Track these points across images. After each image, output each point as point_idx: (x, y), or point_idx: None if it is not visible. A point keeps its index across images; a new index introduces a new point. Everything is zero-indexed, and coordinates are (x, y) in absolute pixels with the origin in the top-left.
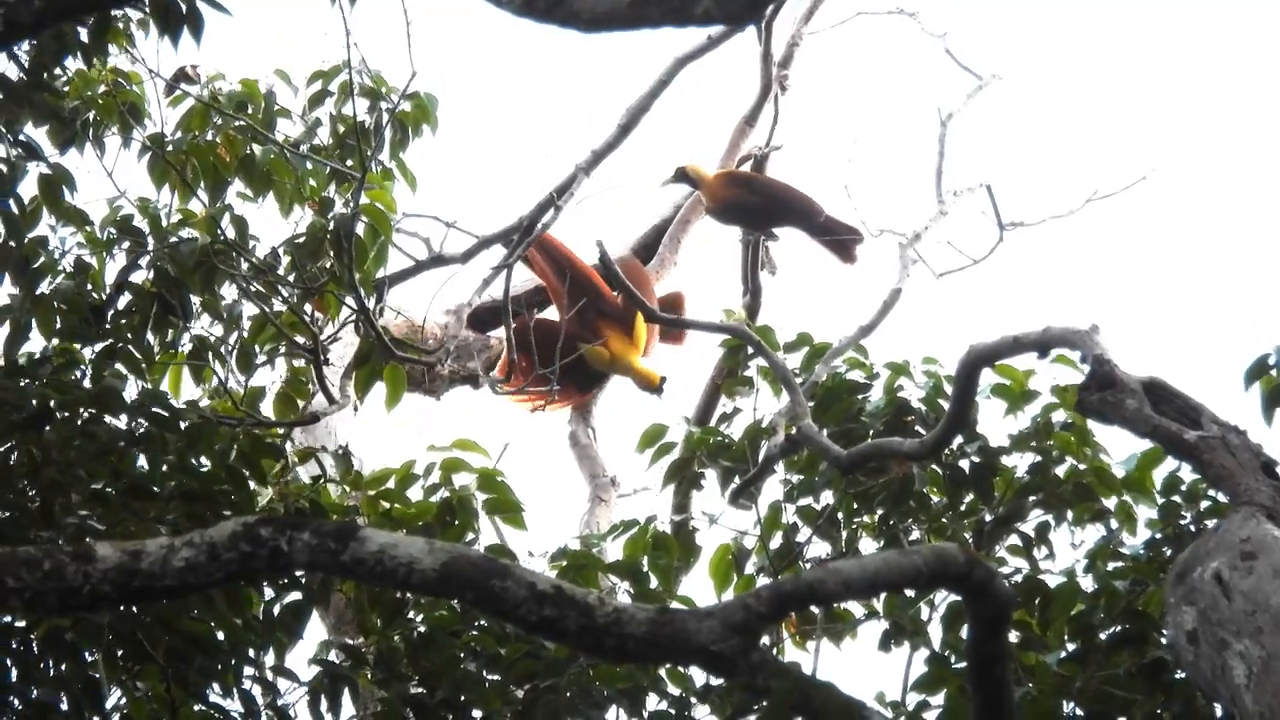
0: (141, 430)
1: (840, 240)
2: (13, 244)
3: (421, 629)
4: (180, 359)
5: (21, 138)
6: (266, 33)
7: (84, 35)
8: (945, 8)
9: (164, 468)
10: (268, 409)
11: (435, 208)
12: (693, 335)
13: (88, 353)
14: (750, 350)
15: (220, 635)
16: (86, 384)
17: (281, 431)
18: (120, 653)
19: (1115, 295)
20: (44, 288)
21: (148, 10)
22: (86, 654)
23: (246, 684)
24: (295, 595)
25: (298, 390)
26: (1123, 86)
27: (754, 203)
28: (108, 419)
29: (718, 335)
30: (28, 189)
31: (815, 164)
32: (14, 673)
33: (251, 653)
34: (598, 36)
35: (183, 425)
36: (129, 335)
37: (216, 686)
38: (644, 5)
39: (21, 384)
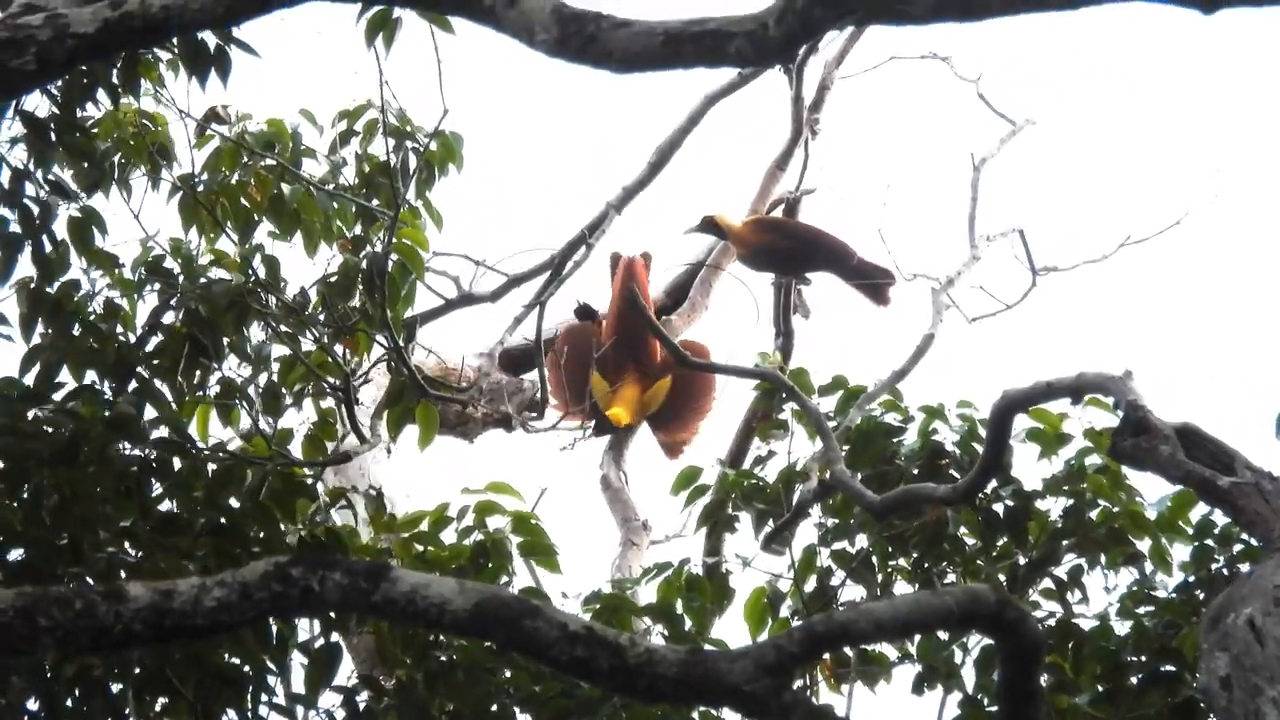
0: (163, 462)
1: (873, 283)
2: (46, 288)
3: (451, 664)
4: (209, 401)
5: (52, 178)
6: (295, 72)
7: (114, 75)
8: (979, 52)
9: (194, 504)
10: (296, 450)
11: (464, 246)
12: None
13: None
14: (784, 394)
15: (248, 670)
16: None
17: (312, 471)
18: (149, 689)
19: (1148, 340)
20: (75, 329)
21: (176, 51)
22: (115, 689)
23: (270, 714)
24: (333, 636)
25: (326, 432)
26: (1156, 131)
27: (785, 247)
28: (131, 450)
29: (751, 379)
30: (58, 231)
31: (848, 208)
32: (42, 709)
33: (275, 684)
34: (631, 76)
35: (212, 466)
36: (160, 376)
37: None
38: (677, 45)
39: (37, 413)
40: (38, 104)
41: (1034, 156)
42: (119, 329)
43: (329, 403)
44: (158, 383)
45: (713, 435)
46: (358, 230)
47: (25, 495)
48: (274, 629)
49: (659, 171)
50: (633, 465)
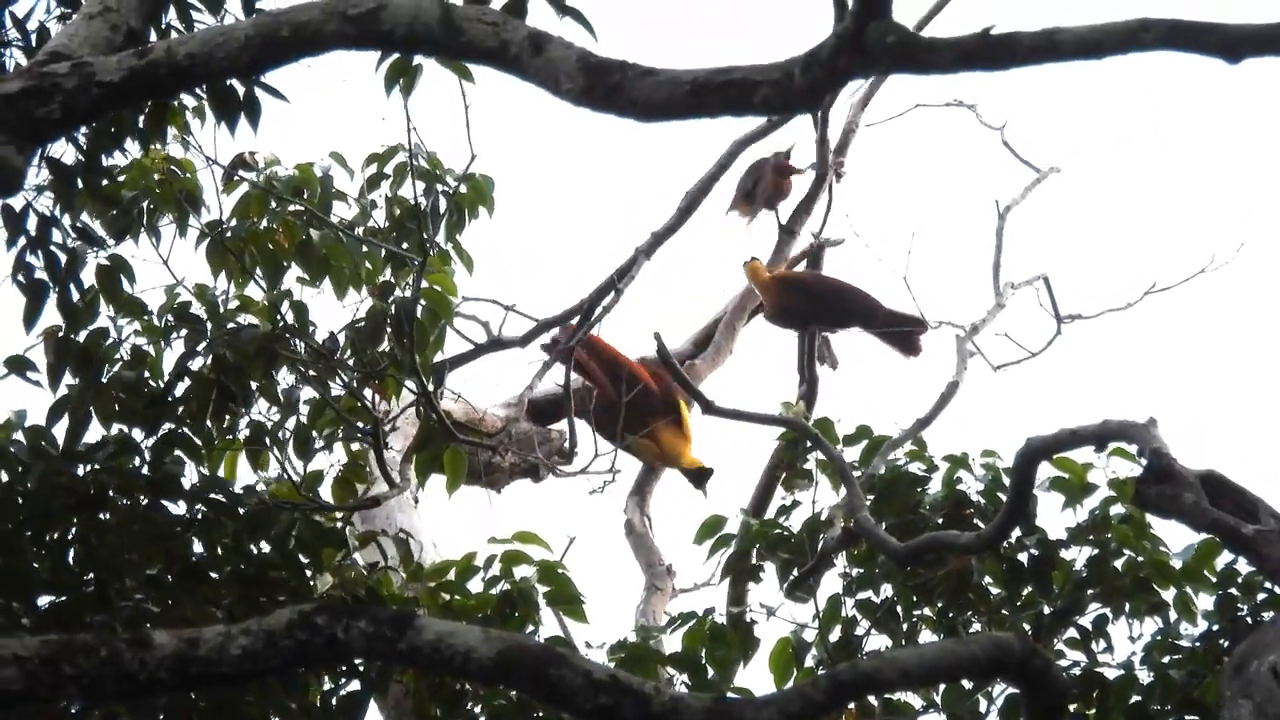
0: (199, 516)
1: (903, 333)
2: (74, 336)
3: (479, 714)
4: (238, 445)
5: (80, 225)
6: (322, 119)
7: (140, 121)
8: (1004, 100)
9: (220, 552)
10: (325, 494)
11: (493, 290)
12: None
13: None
14: (808, 443)
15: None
16: (145, 470)
17: (340, 516)
18: None
19: (1173, 388)
20: (103, 376)
21: (204, 98)
22: None
23: None
24: (354, 685)
25: (356, 475)
26: (1181, 178)
27: (810, 310)
28: (166, 504)
29: (775, 427)
30: (85, 278)
31: (873, 254)
32: None
33: None
34: (657, 125)
35: (241, 510)
36: (188, 422)
37: None
38: (703, 94)
39: (79, 469)
40: (64, 151)
41: (1059, 204)
42: (147, 375)
43: (358, 445)
44: (187, 430)
45: (735, 479)
46: (387, 275)
47: (52, 543)
48: (307, 682)
49: (688, 217)
50: (657, 510)
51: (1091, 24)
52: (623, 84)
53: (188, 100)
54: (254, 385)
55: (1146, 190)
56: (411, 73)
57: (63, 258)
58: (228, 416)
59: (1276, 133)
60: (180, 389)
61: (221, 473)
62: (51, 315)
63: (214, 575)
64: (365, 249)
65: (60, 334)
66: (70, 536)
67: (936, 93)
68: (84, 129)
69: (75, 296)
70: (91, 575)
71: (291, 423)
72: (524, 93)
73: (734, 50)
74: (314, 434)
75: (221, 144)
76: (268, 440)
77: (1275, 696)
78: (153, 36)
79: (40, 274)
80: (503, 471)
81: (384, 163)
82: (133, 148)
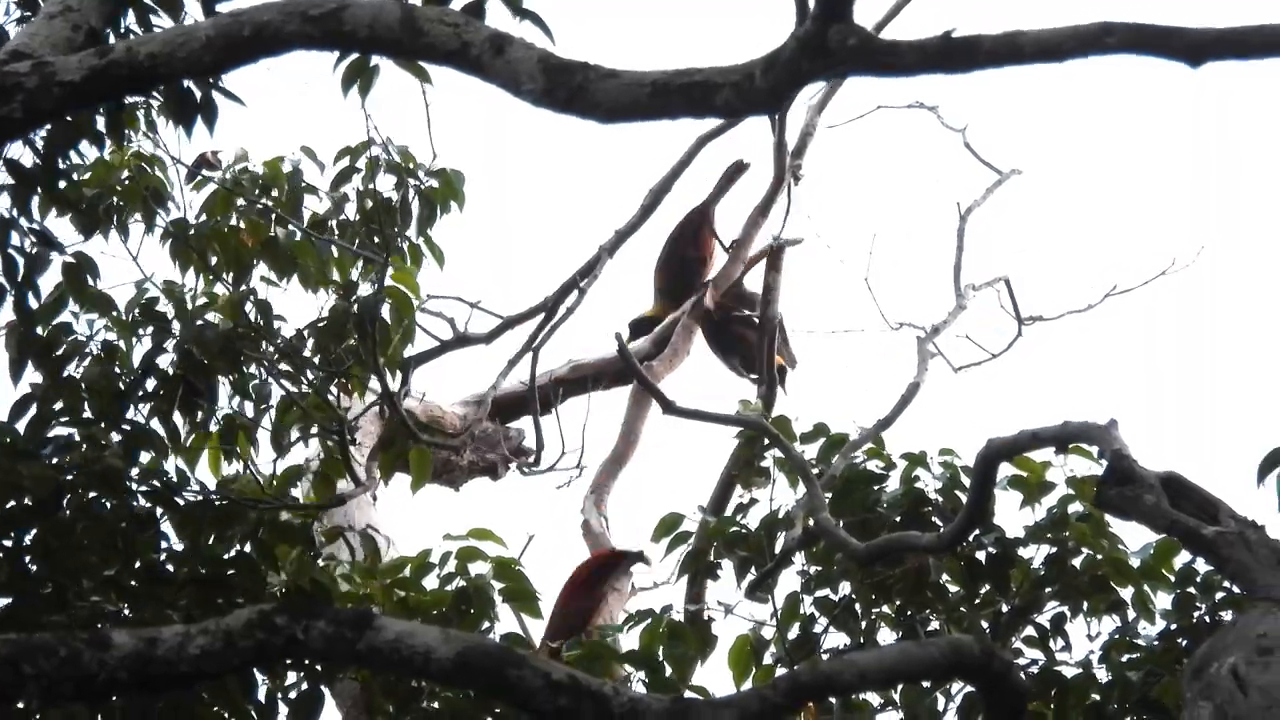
0: (149, 512)
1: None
2: (37, 332)
3: (435, 713)
4: (213, 441)
5: (37, 227)
6: (283, 122)
7: (100, 124)
8: (965, 102)
9: (176, 552)
10: (297, 491)
11: (459, 288)
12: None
13: (114, 436)
14: (767, 441)
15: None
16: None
17: (307, 514)
18: None
19: (1133, 389)
20: (71, 371)
21: (162, 100)
22: None
23: None
24: (306, 685)
25: (334, 470)
26: (1142, 181)
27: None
28: (118, 502)
29: (734, 426)
30: (51, 278)
31: (833, 255)
32: None
33: None
34: (618, 126)
35: (215, 502)
36: (155, 418)
37: None
38: (664, 96)
39: (35, 468)
40: (20, 154)
41: (1020, 206)
42: (117, 371)
43: (330, 441)
44: (153, 425)
45: (694, 478)
46: (355, 273)
47: (10, 545)
48: (260, 680)
49: (651, 214)
50: (614, 510)
51: (1053, 27)
52: (584, 85)
53: (150, 102)
54: (221, 381)
55: (1107, 193)
56: (369, 73)
57: (20, 261)
58: (196, 412)
59: (1237, 136)
60: (148, 385)
61: (204, 468)
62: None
63: (171, 576)
64: (331, 246)
65: (22, 329)
66: (28, 539)
67: (898, 95)
68: (41, 132)
69: (33, 303)
70: (49, 576)
71: (266, 419)
72: (486, 93)
73: (695, 53)
74: (286, 430)
75: (187, 144)
76: (239, 435)
77: (1236, 699)
78: (112, 39)
79: None
80: (461, 470)
81: (355, 157)
82: (90, 152)
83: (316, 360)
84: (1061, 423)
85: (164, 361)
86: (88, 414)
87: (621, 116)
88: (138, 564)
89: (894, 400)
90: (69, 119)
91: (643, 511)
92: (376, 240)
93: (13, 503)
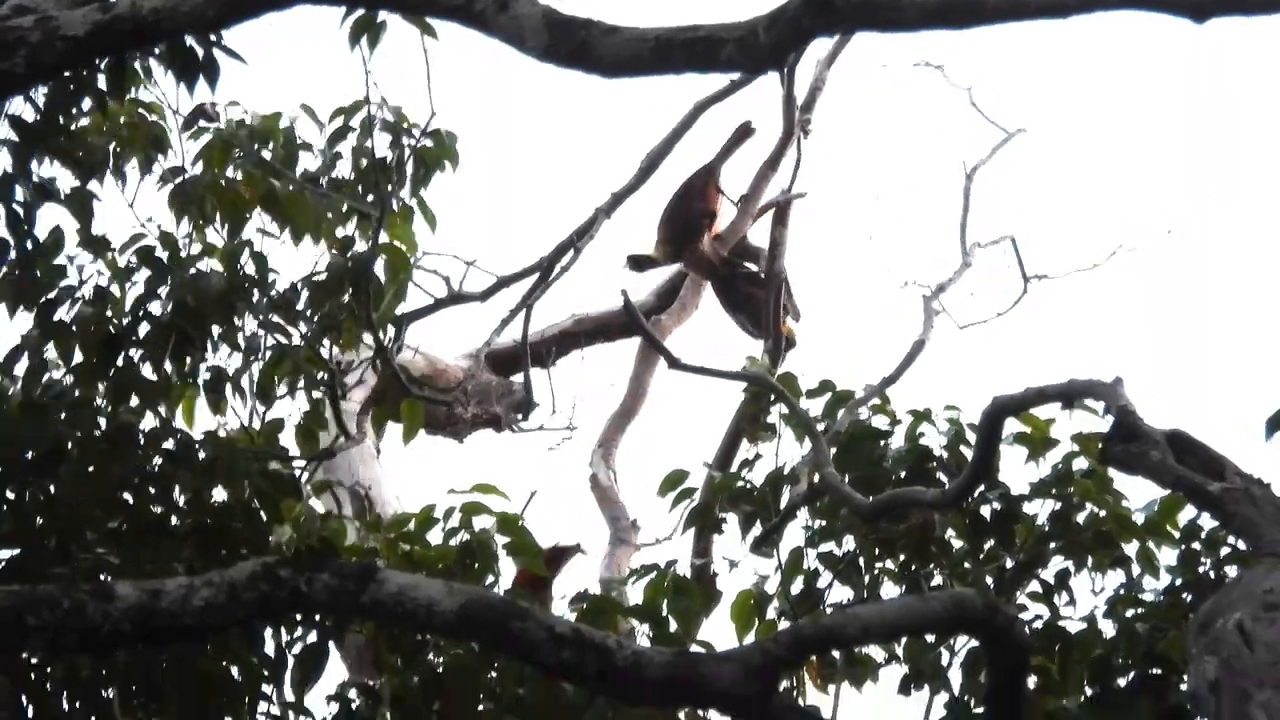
0: (156, 469)
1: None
2: (34, 274)
3: (440, 666)
4: (194, 391)
5: (37, 178)
6: (284, 77)
7: (100, 81)
8: (971, 61)
9: (181, 504)
10: (286, 441)
11: (456, 246)
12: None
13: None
14: (772, 397)
15: (236, 673)
16: (102, 421)
17: (299, 466)
18: (136, 690)
19: (1139, 347)
20: (63, 315)
21: (164, 57)
22: (102, 692)
23: None
24: (312, 636)
25: (317, 422)
26: (1149, 139)
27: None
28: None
29: (739, 382)
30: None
31: (839, 212)
32: (30, 708)
33: (267, 689)
34: (621, 81)
35: (201, 455)
36: (148, 364)
37: None
38: (667, 51)
39: (37, 422)
40: (21, 111)
41: (1026, 164)
42: (109, 316)
43: (319, 395)
44: (145, 371)
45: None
46: (350, 228)
47: (13, 498)
48: (266, 634)
49: (649, 177)
50: (622, 465)
51: None
52: (587, 41)
53: (152, 61)
54: (216, 331)
55: (1114, 151)
56: (375, 29)
57: (22, 215)
58: (187, 360)
59: (1243, 94)
60: (140, 332)
61: (180, 417)
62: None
63: (174, 528)
64: (326, 201)
65: (18, 272)
66: (30, 492)
67: (904, 53)
68: (42, 88)
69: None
70: (53, 529)
71: (255, 369)
72: (489, 49)
73: (700, 9)
74: (275, 381)
75: (185, 98)
76: (227, 386)
77: (1242, 653)
78: None
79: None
80: (464, 422)
81: (350, 115)
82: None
83: (310, 314)
84: (1067, 380)
85: (157, 309)
86: (79, 359)
87: (624, 72)
88: (140, 517)
89: (899, 357)
90: (71, 76)
91: (650, 466)
92: (370, 199)
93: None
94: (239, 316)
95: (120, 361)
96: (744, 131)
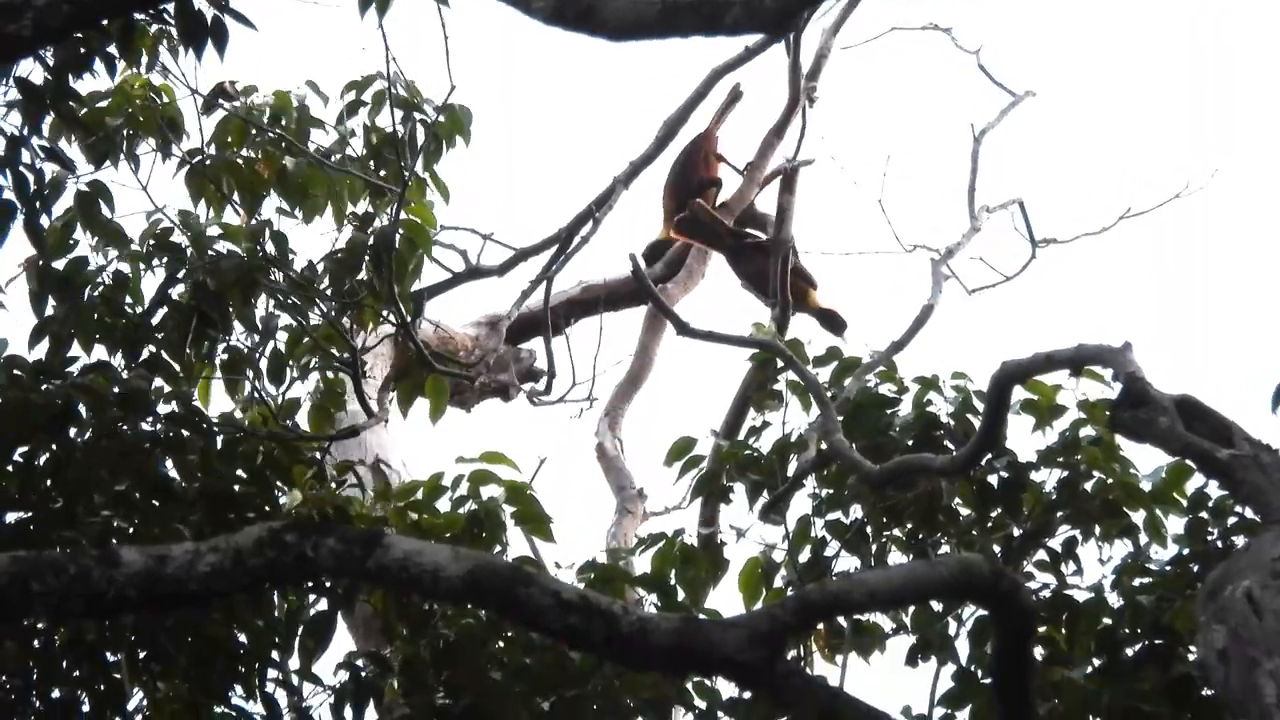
0: (173, 437)
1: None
2: (54, 265)
3: (448, 637)
4: (210, 371)
5: (48, 145)
6: (296, 46)
7: (110, 45)
8: (979, 24)
9: (191, 472)
10: (302, 421)
11: (472, 219)
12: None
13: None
14: (780, 364)
15: (243, 639)
16: (116, 389)
17: (316, 445)
18: (143, 655)
19: (1147, 313)
20: (83, 301)
21: (172, 21)
22: (108, 656)
23: (270, 687)
24: (322, 604)
25: (333, 402)
26: (1157, 102)
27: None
28: (140, 426)
29: (747, 349)
30: (63, 202)
31: (847, 177)
32: (36, 672)
33: (275, 656)
34: (628, 45)
35: (219, 438)
36: (167, 348)
37: (239, 689)
38: (673, 14)
39: (47, 386)
40: (30, 70)
41: (1034, 128)
42: (128, 301)
43: (335, 374)
44: (166, 356)
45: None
46: (365, 205)
47: (21, 461)
48: (277, 601)
49: (666, 146)
50: (628, 433)
51: None
52: (593, 4)
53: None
54: (232, 312)
55: (1122, 115)
56: None
57: (31, 179)
58: (206, 344)
59: (1252, 58)
60: (159, 316)
61: (197, 399)
62: (19, 238)
63: (182, 493)
64: (343, 177)
65: (41, 262)
66: (39, 454)
67: (912, 15)
68: (51, 50)
69: (45, 223)
70: (60, 492)
71: (269, 349)
72: (503, 20)
73: None
74: (290, 361)
75: (202, 75)
76: (246, 366)
77: (1250, 622)
78: None
79: (8, 194)
80: (472, 391)
81: (362, 90)
82: (102, 75)
83: (329, 292)
84: (1076, 345)
85: (176, 292)
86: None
87: (630, 34)
88: (149, 482)
89: (908, 323)
90: (79, 38)
91: (657, 434)
92: (383, 175)
93: (26, 421)
94: (258, 297)
95: (142, 347)
96: (735, 96)
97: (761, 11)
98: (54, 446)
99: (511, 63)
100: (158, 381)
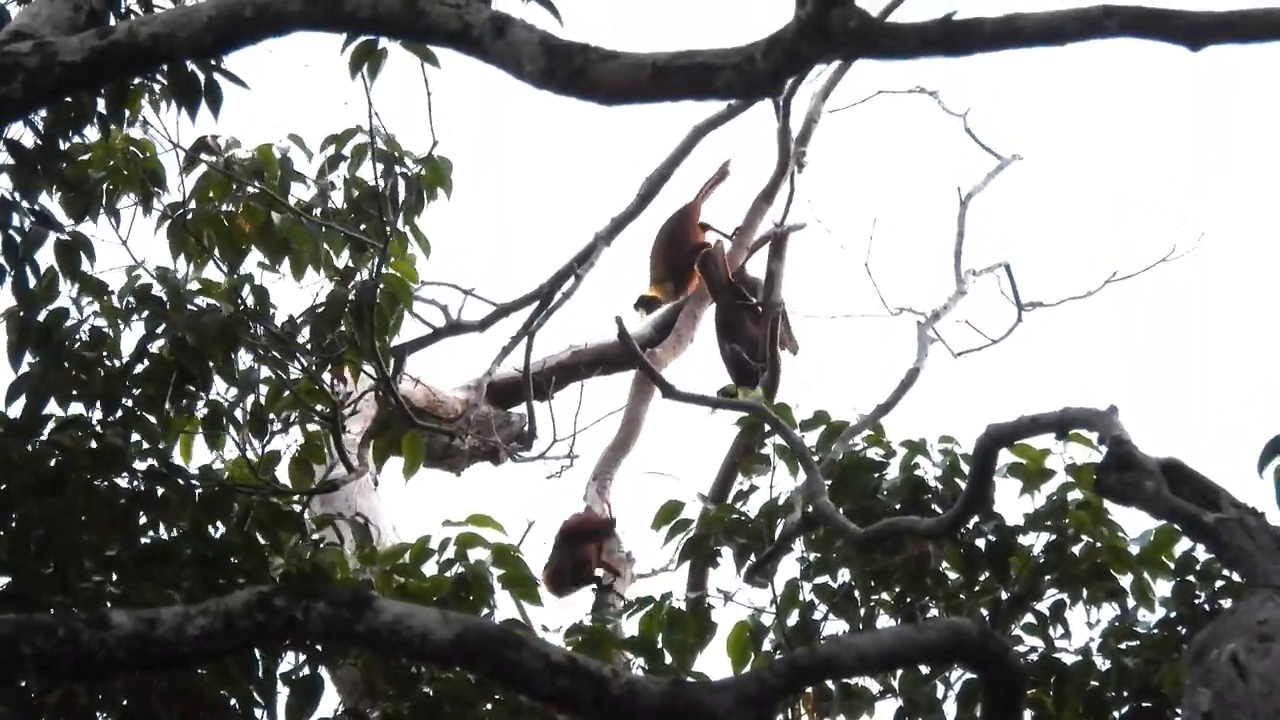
0: (152, 493)
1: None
2: (36, 317)
3: (435, 696)
4: (194, 427)
5: (36, 207)
6: (284, 104)
7: (101, 106)
8: (966, 87)
9: (177, 534)
10: (282, 475)
11: (453, 274)
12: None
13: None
14: (767, 428)
15: (233, 701)
16: (94, 447)
17: (298, 499)
18: (132, 716)
19: (1133, 376)
20: (62, 355)
21: (166, 83)
22: (99, 717)
23: None
24: (305, 664)
25: (314, 455)
26: (1143, 166)
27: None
28: (118, 482)
29: (735, 413)
30: (44, 258)
31: (834, 241)
32: None
33: (261, 716)
34: (619, 108)
35: (198, 492)
36: (146, 404)
37: None
38: (665, 77)
39: (30, 445)
40: (21, 134)
41: (1021, 191)
42: (105, 356)
43: (316, 427)
44: (144, 412)
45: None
46: (346, 258)
47: (11, 525)
48: (259, 660)
49: (648, 203)
50: (617, 496)
51: (1054, 9)
52: (585, 67)
53: (152, 85)
54: (213, 367)
55: (1108, 178)
56: (376, 56)
57: (20, 241)
58: (185, 399)
59: (1238, 121)
60: (139, 370)
61: (177, 454)
62: (6, 297)
63: (172, 557)
64: (325, 231)
65: (21, 314)
66: (28, 518)
67: (899, 79)
68: (42, 112)
69: (31, 282)
70: (50, 555)
71: (249, 402)
72: (488, 76)
73: (697, 36)
74: (271, 415)
75: (182, 128)
76: (226, 420)
77: (1236, 685)
78: (112, 20)
79: None
80: (462, 454)
81: (342, 144)
82: (92, 133)
83: (309, 346)
84: (1061, 409)
85: (156, 347)
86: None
87: (622, 98)
88: (138, 544)
89: (894, 386)
90: (71, 100)
91: (645, 498)
92: (364, 228)
93: (12, 482)
94: (238, 351)
95: (119, 402)
96: (722, 173)
97: (752, 75)
98: (42, 509)
99: (493, 117)
100: (135, 437)
